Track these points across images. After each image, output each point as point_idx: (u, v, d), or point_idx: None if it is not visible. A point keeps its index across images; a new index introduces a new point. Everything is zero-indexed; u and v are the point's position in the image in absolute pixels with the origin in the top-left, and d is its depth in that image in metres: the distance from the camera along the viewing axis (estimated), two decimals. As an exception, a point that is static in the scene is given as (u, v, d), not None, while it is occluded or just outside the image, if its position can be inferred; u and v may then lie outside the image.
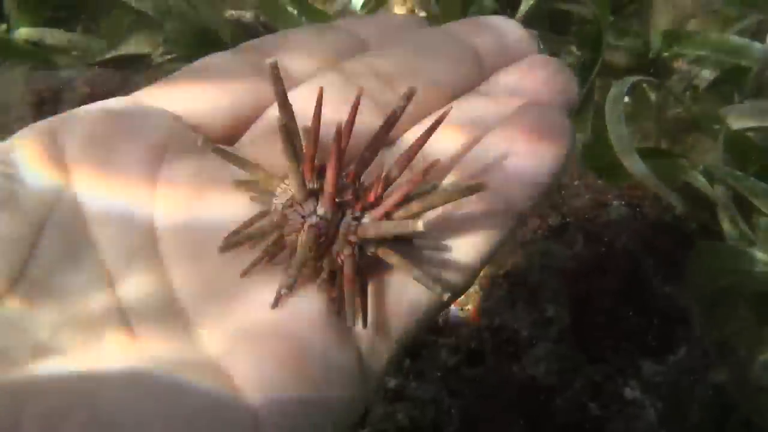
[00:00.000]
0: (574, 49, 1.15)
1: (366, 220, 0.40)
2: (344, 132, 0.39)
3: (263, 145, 0.42)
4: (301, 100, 0.41)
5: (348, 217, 0.39)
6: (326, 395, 0.38)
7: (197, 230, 0.40)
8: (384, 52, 0.46)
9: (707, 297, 0.93)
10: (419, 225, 0.37)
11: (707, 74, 1.12)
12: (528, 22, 1.12)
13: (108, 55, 1.18)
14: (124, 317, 0.38)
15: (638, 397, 0.81)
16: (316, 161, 0.40)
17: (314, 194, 0.40)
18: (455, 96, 0.46)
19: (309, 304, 0.39)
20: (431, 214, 0.41)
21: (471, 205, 0.41)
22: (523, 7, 1.09)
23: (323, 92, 0.39)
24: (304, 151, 0.40)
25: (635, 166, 0.93)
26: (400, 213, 0.40)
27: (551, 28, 1.19)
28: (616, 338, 0.83)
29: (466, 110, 0.45)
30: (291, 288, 0.38)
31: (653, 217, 0.91)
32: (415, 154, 0.40)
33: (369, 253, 0.39)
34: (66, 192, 0.40)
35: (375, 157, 0.41)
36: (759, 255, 0.96)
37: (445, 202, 0.40)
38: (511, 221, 0.42)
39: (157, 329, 0.38)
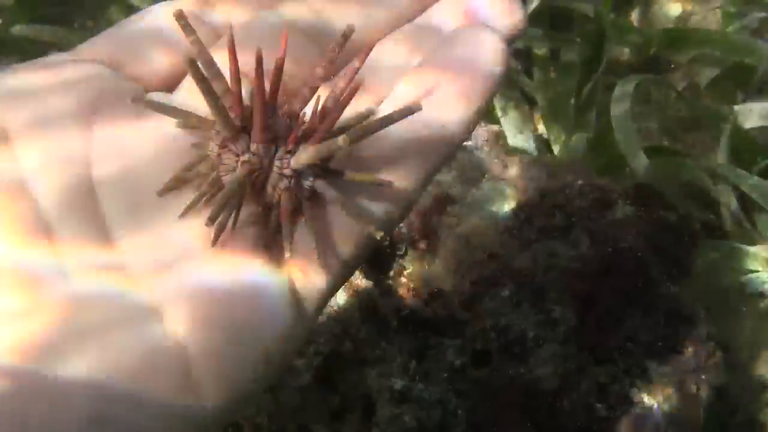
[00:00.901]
0: (576, 46, 1.14)
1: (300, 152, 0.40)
2: (275, 69, 0.40)
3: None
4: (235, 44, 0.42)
5: (281, 151, 0.40)
6: (257, 327, 0.38)
7: (135, 175, 0.40)
8: None
9: (711, 296, 0.93)
10: (340, 140, 0.38)
11: (708, 72, 1.11)
12: (529, 20, 1.11)
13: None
14: (61, 266, 0.38)
15: (645, 398, 0.81)
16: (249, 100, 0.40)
17: (247, 132, 0.40)
18: (394, 28, 0.46)
19: (240, 238, 0.39)
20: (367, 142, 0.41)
21: (406, 132, 0.41)
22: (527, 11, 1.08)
23: (258, 33, 0.40)
24: (231, 89, 0.40)
25: (641, 165, 0.93)
26: (352, 138, 0.40)
27: (552, 25, 1.19)
28: (623, 339, 0.83)
29: (403, 40, 0.45)
30: (214, 219, 0.38)
31: (658, 217, 0.91)
32: (348, 85, 0.40)
33: (306, 187, 0.40)
34: (1, 145, 0.40)
35: (314, 94, 0.41)
36: (762, 254, 0.96)
37: (381, 128, 0.40)
38: (446, 147, 0.42)
39: (92, 273, 0.38)
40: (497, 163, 0.95)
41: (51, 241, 0.39)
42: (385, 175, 0.41)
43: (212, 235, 0.39)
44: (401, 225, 0.92)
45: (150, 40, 0.44)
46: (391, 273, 0.90)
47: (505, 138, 0.99)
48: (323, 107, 0.41)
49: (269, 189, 0.40)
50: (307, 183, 0.40)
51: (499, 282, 0.86)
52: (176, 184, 0.39)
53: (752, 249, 0.97)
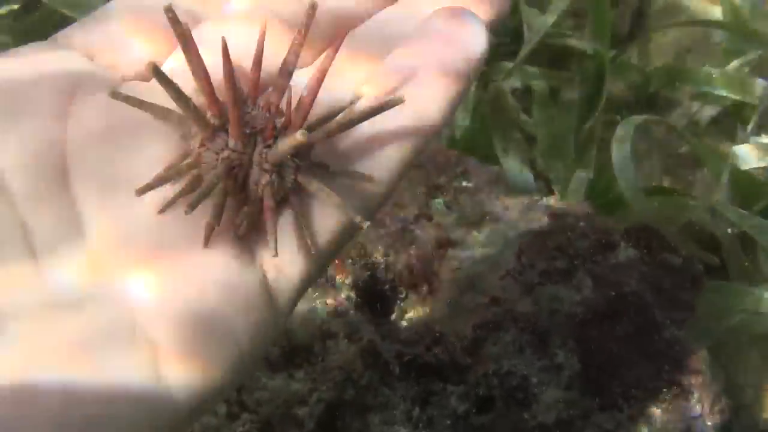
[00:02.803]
0: (575, 84, 1.14)
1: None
2: (254, 61, 0.40)
3: (181, 78, 0.41)
4: (215, 32, 0.42)
5: (260, 146, 0.39)
6: (229, 320, 0.38)
7: (111, 169, 0.40)
8: None
9: (715, 338, 0.92)
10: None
11: (709, 109, 1.11)
12: (528, 57, 1.12)
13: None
14: (31, 250, 0.38)
15: (651, 445, 0.80)
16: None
17: (226, 128, 0.39)
18: (379, 8, 0.46)
19: (218, 234, 0.39)
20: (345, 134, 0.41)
21: (384, 119, 0.40)
22: (525, 51, 1.08)
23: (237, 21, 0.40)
24: (204, 88, 0.39)
25: (643, 207, 0.93)
26: (317, 135, 0.39)
27: (551, 62, 1.19)
28: (627, 385, 0.82)
29: (382, 23, 0.45)
30: (194, 207, 0.37)
31: (661, 259, 0.90)
32: (324, 74, 0.40)
33: (289, 180, 0.39)
34: None
35: (289, 82, 0.40)
36: (765, 295, 0.96)
37: (363, 119, 0.40)
38: (425, 134, 0.42)
39: (62, 261, 0.38)
40: (498, 204, 0.95)
41: (25, 234, 0.38)
42: (363, 164, 0.40)
43: (203, 236, 0.38)
44: (401, 268, 0.91)
45: (128, 27, 0.44)
46: (393, 317, 0.90)
47: (505, 179, 0.99)
48: (300, 98, 0.40)
49: (252, 184, 0.39)
50: (290, 176, 0.39)
51: (501, 326, 0.86)
52: (156, 183, 0.39)
53: (756, 290, 0.96)
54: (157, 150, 0.40)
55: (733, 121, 1.11)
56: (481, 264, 0.90)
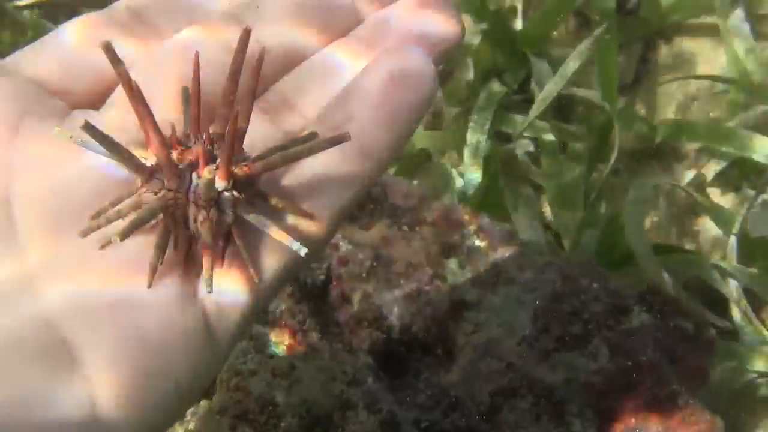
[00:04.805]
0: (583, 136, 1.15)
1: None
2: (192, 94, 0.39)
3: (128, 108, 0.40)
4: (167, 59, 0.42)
5: (195, 182, 0.39)
6: (168, 362, 0.38)
7: (56, 201, 0.39)
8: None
9: (728, 401, 0.93)
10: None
11: (715, 164, 1.12)
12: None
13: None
14: None
15: None
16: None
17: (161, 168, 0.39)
18: (330, 41, 0.45)
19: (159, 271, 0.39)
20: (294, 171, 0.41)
21: (328, 156, 0.40)
22: (534, 112, 1.08)
23: (198, 53, 0.39)
24: (143, 127, 0.39)
25: (657, 274, 0.93)
26: (258, 166, 0.39)
27: (557, 110, 1.19)
28: (644, 455, 0.83)
29: (333, 55, 0.45)
30: (123, 237, 0.37)
31: (675, 326, 0.91)
32: (250, 100, 0.39)
33: (228, 214, 0.39)
34: None
35: (230, 110, 0.40)
36: (773, 354, 0.97)
37: (308, 155, 0.39)
38: (370, 171, 0.42)
39: (4, 301, 0.37)
40: (512, 265, 0.96)
41: None
42: (307, 202, 0.40)
43: (147, 277, 0.38)
44: (416, 330, 0.92)
45: (75, 55, 0.43)
46: (409, 379, 0.90)
47: (518, 237, 0.99)
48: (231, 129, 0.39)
49: (192, 221, 0.39)
50: (229, 210, 0.39)
51: (517, 393, 0.86)
52: (99, 224, 0.39)
53: (763, 349, 0.97)
54: (102, 182, 0.40)
55: (738, 174, 1.12)
56: (497, 328, 0.90)
